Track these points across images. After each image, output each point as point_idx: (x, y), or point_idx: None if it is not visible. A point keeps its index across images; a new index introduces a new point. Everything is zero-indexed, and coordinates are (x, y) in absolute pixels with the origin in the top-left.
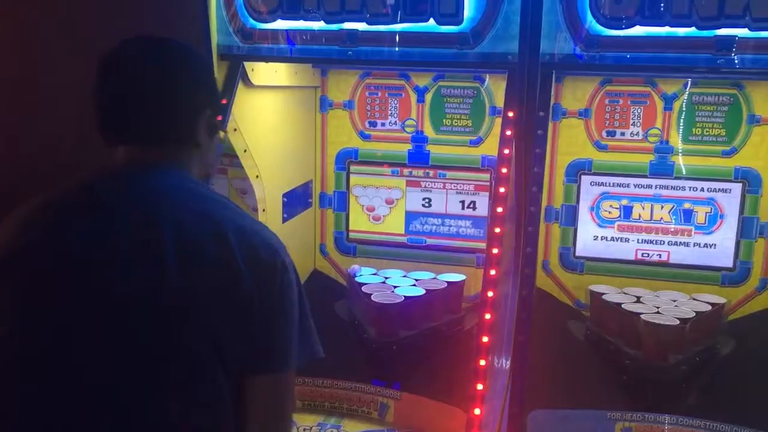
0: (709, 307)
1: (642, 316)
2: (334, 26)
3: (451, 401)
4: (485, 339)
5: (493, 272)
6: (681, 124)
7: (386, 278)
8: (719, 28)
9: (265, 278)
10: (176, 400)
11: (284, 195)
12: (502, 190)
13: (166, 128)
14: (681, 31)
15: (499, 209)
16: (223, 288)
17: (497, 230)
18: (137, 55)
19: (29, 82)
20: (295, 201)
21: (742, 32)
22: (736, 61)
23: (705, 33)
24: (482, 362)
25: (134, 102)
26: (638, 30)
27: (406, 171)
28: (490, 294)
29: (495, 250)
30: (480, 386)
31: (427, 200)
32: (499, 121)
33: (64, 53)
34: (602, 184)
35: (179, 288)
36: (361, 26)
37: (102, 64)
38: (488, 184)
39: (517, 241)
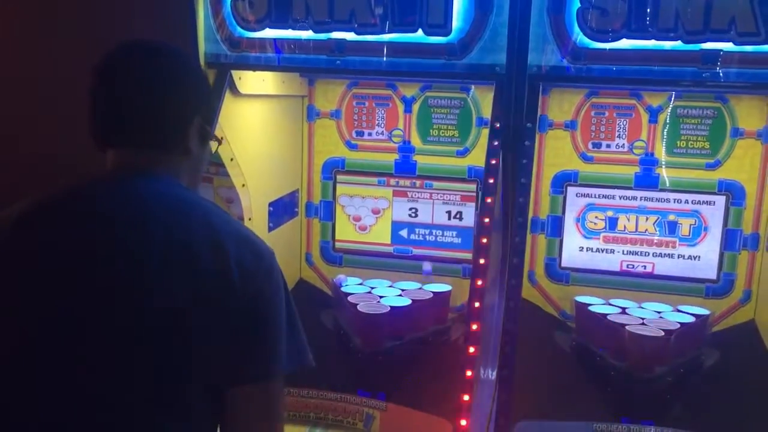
0: (694, 319)
1: (627, 328)
2: (322, 35)
3: (438, 412)
4: (472, 350)
5: (479, 282)
6: (665, 136)
7: (372, 288)
8: (705, 42)
9: (256, 285)
10: (160, 409)
11: (270, 204)
12: (489, 200)
13: (157, 133)
14: (667, 45)
15: (486, 219)
16: (214, 296)
17: (484, 240)
18: (130, 59)
19: (26, 83)
20: (281, 210)
21: (727, 46)
22: (721, 75)
23: (691, 47)
24: (469, 373)
25: (125, 106)
26: (625, 43)
27: (392, 181)
28: (476, 304)
29: (482, 261)
30: (466, 397)
31: (413, 210)
32: (485, 131)
33: (56, 54)
34: (588, 195)
35: (167, 294)
36: (349, 36)
37: (96, 67)
38: (475, 194)
39: (504, 251)
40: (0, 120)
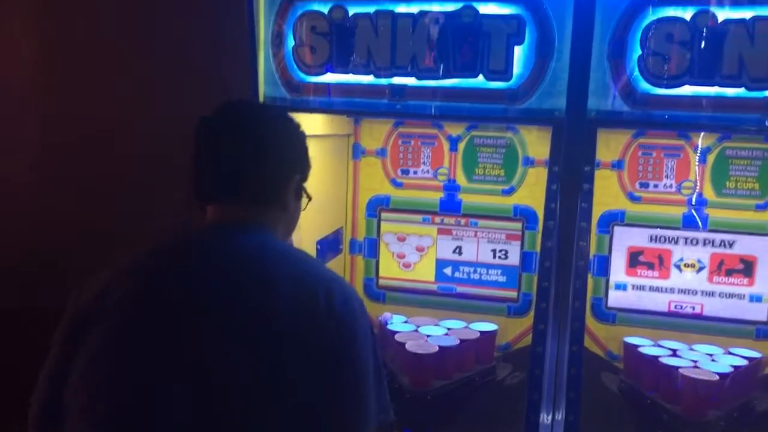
0: (746, 362)
1: (680, 370)
2: (383, 81)
3: None
4: (535, 395)
5: (542, 326)
6: (714, 177)
7: (418, 326)
8: None
9: (352, 342)
10: None
11: (318, 242)
12: (549, 244)
13: (259, 191)
14: (730, 92)
15: (547, 264)
16: (313, 353)
17: (545, 284)
18: (235, 120)
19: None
20: (327, 248)
21: None
22: None
23: (755, 94)
24: (533, 419)
25: (231, 165)
26: (687, 89)
27: (437, 219)
28: (539, 349)
29: (543, 305)
30: None
31: (458, 248)
32: (531, 170)
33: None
34: (635, 235)
35: (270, 352)
36: (410, 81)
37: (200, 126)
38: (520, 233)
39: (556, 292)
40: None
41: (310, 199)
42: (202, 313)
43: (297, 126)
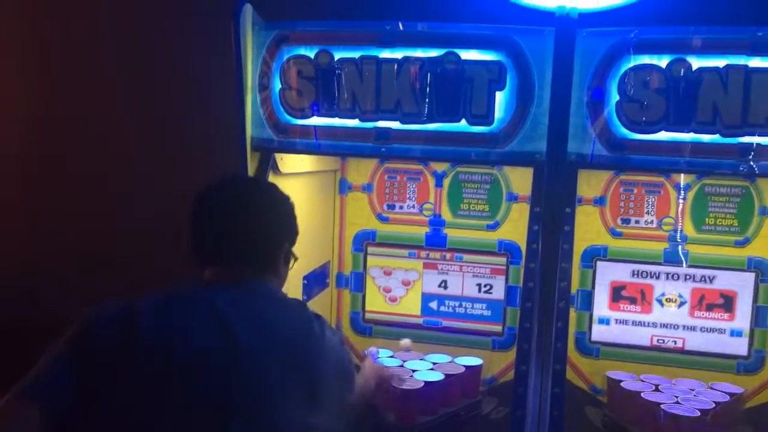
0: (728, 397)
1: (662, 407)
2: (368, 124)
3: None
4: None
5: (524, 367)
6: (694, 213)
7: (404, 362)
8: (742, 135)
9: (343, 386)
10: None
11: (305, 277)
12: (530, 284)
13: (254, 258)
14: (705, 138)
15: (528, 304)
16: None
17: (527, 325)
18: (233, 193)
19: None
20: (313, 281)
21: (764, 140)
22: (756, 169)
23: (729, 140)
24: None
25: (227, 236)
26: (664, 135)
27: (423, 253)
28: (520, 390)
29: (525, 345)
30: None
31: (443, 282)
32: (515, 206)
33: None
34: (617, 270)
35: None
36: (394, 125)
37: (197, 199)
38: (504, 267)
39: (539, 332)
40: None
41: (296, 260)
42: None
43: (287, 198)
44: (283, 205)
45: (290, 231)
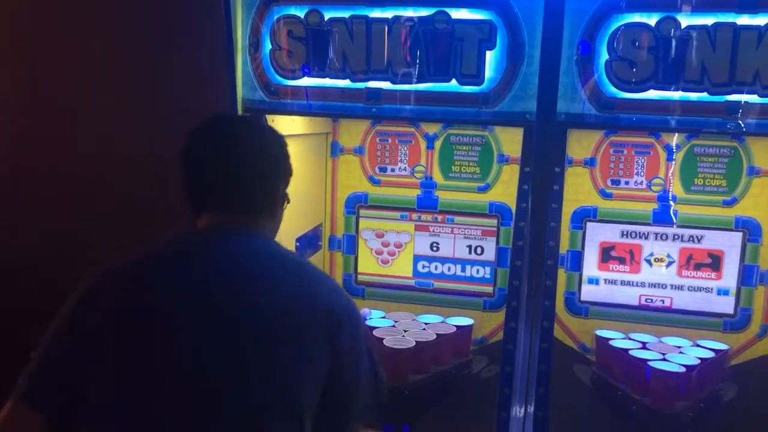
0: (713, 354)
1: (649, 363)
2: (359, 85)
3: None
4: (506, 391)
5: (513, 324)
6: (683, 174)
7: (396, 322)
8: (730, 94)
9: (352, 336)
10: None
11: (297, 239)
12: (520, 243)
13: (249, 200)
14: (693, 96)
15: (518, 262)
16: (310, 350)
17: (516, 283)
18: (223, 132)
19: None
20: (306, 245)
21: (751, 98)
22: (743, 127)
23: (716, 98)
24: (504, 414)
25: (223, 177)
26: (652, 93)
27: (414, 215)
28: (510, 346)
29: (514, 303)
30: None
31: (435, 244)
32: (506, 168)
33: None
34: (607, 230)
35: (266, 345)
36: (385, 85)
37: (191, 138)
38: (495, 229)
39: (529, 291)
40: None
41: (288, 201)
42: (206, 312)
43: (279, 135)
44: (278, 143)
45: (286, 170)
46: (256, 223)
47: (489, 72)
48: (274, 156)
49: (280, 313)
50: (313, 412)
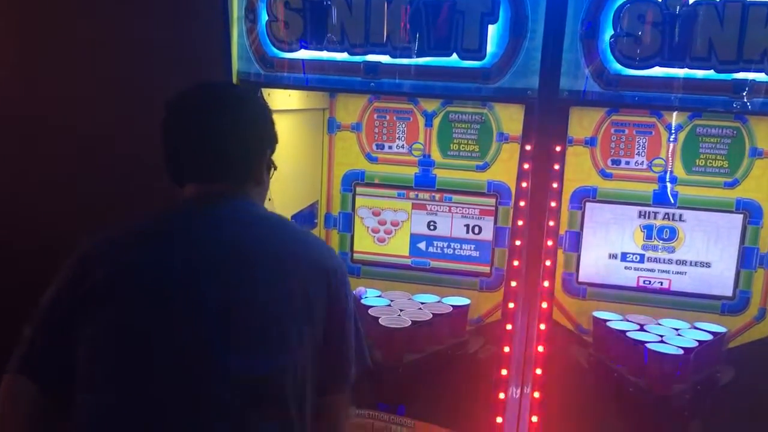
0: (711, 336)
1: (647, 345)
2: (357, 58)
3: (460, 428)
4: (504, 372)
5: (512, 305)
6: (685, 155)
7: (392, 301)
8: (737, 72)
9: (342, 288)
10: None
11: (293, 216)
12: (520, 222)
13: (234, 167)
14: (699, 73)
15: (518, 242)
16: (298, 308)
17: (516, 263)
18: (206, 100)
19: None
20: (301, 222)
21: (759, 77)
22: (749, 106)
23: (723, 76)
24: (501, 395)
25: (205, 145)
26: (657, 71)
27: (412, 194)
28: (509, 327)
29: (514, 283)
30: (499, 419)
31: (432, 223)
32: (505, 146)
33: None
34: (606, 211)
35: (256, 307)
36: (384, 59)
37: (171, 108)
38: (493, 208)
39: (528, 271)
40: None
41: (275, 168)
42: (198, 277)
43: (264, 102)
44: (263, 110)
45: (271, 137)
46: (242, 190)
47: (491, 47)
48: (256, 123)
49: (273, 272)
50: (315, 373)
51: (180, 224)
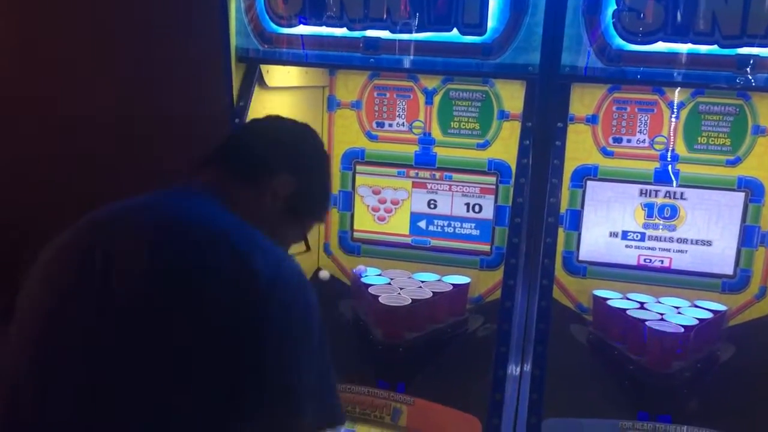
0: (711, 315)
1: (647, 323)
2: (356, 33)
3: (464, 407)
4: (503, 349)
5: (511, 282)
6: (687, 133)
7: (392, 279)
8: (741, 47)
9: (281, 313)
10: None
11: None
12: (519, 200)
13: (239, 159)
14: (703, 48)
15: (518, 220)
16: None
17: (515, 240)
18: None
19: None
20: None
21: (763, 51)
22: (753, 81)
23: (727, 51)
24: (500, 372)
25: (234, 138)
26: (660, 46)
27: (412, 172)
28: (508, 304)
29: (513, 261)
30: (498, 396)
31: (432, 202)
32: (506, 124)
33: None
34: (607, 189)
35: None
36: (383, 34)
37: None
38: (494, 187)
39: (527, 249)
40: None
41: (308, 248)
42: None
43: (320, 144)
44: (310, 142)
45: (299, 167)
46: (231, 187)
47: (491, 21)
48: (296, 146)
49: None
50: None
51: (143, 210)
